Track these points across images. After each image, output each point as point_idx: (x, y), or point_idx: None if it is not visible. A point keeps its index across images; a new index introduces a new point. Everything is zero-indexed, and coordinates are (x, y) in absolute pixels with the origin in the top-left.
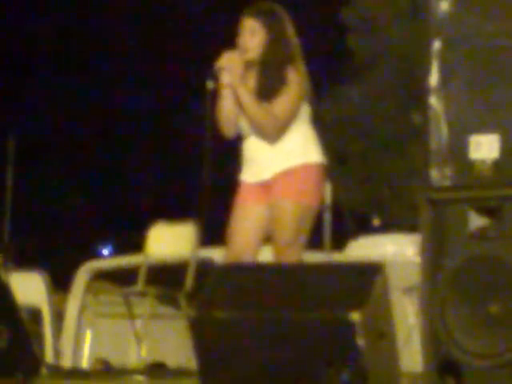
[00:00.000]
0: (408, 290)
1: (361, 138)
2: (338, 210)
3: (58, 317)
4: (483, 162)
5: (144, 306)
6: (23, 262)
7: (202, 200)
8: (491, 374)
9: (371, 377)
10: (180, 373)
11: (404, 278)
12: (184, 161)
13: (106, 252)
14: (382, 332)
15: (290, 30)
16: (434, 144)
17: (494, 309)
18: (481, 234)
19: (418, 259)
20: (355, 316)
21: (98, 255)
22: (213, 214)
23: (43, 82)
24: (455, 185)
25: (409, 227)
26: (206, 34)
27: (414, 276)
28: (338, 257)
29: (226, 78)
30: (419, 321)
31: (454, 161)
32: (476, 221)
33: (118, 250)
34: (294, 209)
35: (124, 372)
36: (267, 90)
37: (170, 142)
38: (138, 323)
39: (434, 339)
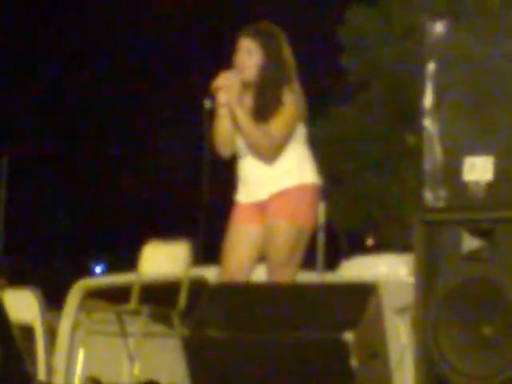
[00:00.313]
0: (401, 311)
1: (354, 157)
2: (331, 230)
3: (51, 334)
4: (477, 183)
5: (137, 325)
6: (16, 279)
7: (199, 219)
8: None
9: None
10: None
11: (397, 298)
12: (178, 179)
13: (98, 270)
14: (375, 352)
15: (287, 51)
16: (428, 165)
17: (486, 330)
18: (474, 256)
19: (411, 280)
20: (348, 336)
21: (90, 273)
22: (207, 233)
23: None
24: (449, 206)
25: (402, 247)
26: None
27: (407, 296)
28: (331, 277)
29: (223, 98)
30: (412, 341)
31: (447, 182)
32: (469, 242)
33: (111, 268)
34: (289, 229)
35: None
36: (263, 110)
37: (164, 160)
38: (131, 341)
39: (426, 360)
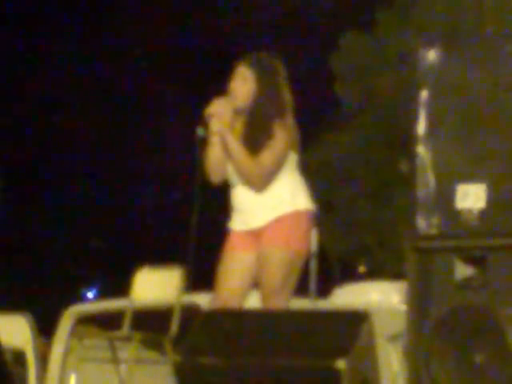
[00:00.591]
0: (393, 338)
1: (347, 184)
2: (323, 257)
3: (42, 360)
4: (470, 211)
5: (129, 351)
6: (7, 304)
7: (188, 245)
8: None
9: None
10: None
11: (389, 325)
12: (171, 205)
13: (90, 295)
14: (367, 380)
15: (283, 85)
16: (421, 192)
17: (479, 358)
18: (466, 284)
19: (403, 307)
20: (340, 363)
21: (82, 299)
22: (199, 259)
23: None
24: (442, 234)
25: (394, 275)
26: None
27: (399, 324)
28: (323, 304)
29: (215, 125)
30: (404, 369)
31: (440, 209)
32: (462, 270)
33: (103, 294)
34: (283, 255)
35: None
36: (253, 141)
37: (156, 182)
38: (123, 368)
39: None
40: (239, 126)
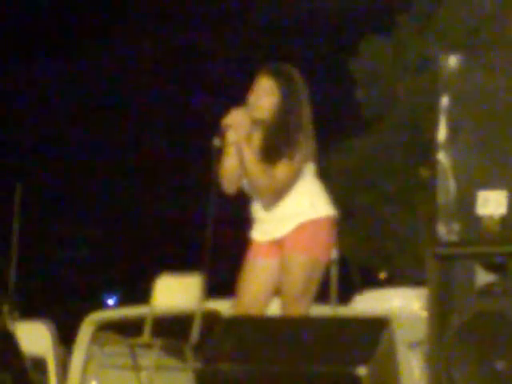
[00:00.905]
0: (414, 345)
1: (368, 190)
2: (344, 263)
3: (63, 367)
4: (490, 217)
5: (150, 358)
6: (29, 311)
7: (205, 252)
8: None
9: None
10: None
11: (410, 332)
12: (190, 211)
13: (111, 302)
14: None
15: (304, 96)
16: (441, 199)
17: (500, 364)
18: (487, 290)
19: (424, 314)
20: (361, 370)
21: (103, 305)
22: (219, 266)
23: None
24: (462, 240)
25: (415, 281)
26: None
27: (420, 330)
28: (344, 310)
29: (231, 136)
30: (425, 376)
31: (461, 216)
32: (483, 276)
33: (124, 301)
34: (304, 262)
35: None
36: (271, 153)
37: (176, 190)
38: (144, 375)
39: None
40: (257, 137)
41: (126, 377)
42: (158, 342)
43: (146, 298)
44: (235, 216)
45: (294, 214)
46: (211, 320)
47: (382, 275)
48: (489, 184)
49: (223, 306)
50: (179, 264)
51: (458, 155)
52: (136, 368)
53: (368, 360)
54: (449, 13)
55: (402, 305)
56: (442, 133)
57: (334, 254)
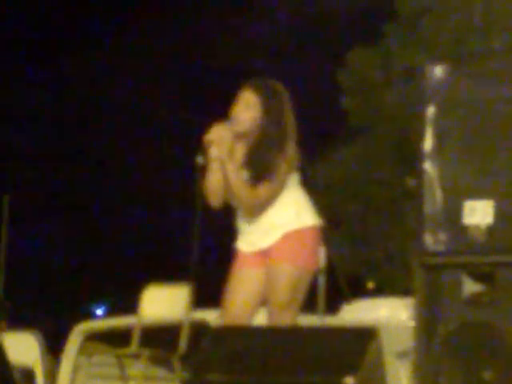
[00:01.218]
0: (401, 355)
1: (355, 200)
2: (332, 273)
3: (51, 377)
4: (477, 227)
5: (137, 368)
6: (16, 321)
7: (192, 262)
8: None
9: None
10: None
11: (398, 342)
12: (179, 221)
13: (99, 312)
14: None
15: (288, 111)
16: (428, 209)
17: (487, 374)
18: (474, 300)
19: (411, 323)
20: (349, 380)
21: (91, 315)
22: (206, 276)
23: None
24: (449, 250)
25: (403, 290)
26: None
27: (407, 340)
28: (331, 320)
29: (214, 152)
30: None
31: (448, 226)
32: (470, 286)
33: (113, 311)
34: (290, 271)
35: None
36: (253, 167)
37: (164, 200)
38: None
39: None
40: (240, 150)
41: None
42: (146, 352)
43: (134, 308)
44: (221, 227)
45: (279, 224)
46: (199, 330)
47: (370, 285)
48: (475, 193)
49: (211, 317)
50: (167, 274)
51: (444, 165)
52: (124, 378)
53: (356, 370)
54: (435, 23)
55: (389, 314)
56: (428, 142)
57: (321, 263)
